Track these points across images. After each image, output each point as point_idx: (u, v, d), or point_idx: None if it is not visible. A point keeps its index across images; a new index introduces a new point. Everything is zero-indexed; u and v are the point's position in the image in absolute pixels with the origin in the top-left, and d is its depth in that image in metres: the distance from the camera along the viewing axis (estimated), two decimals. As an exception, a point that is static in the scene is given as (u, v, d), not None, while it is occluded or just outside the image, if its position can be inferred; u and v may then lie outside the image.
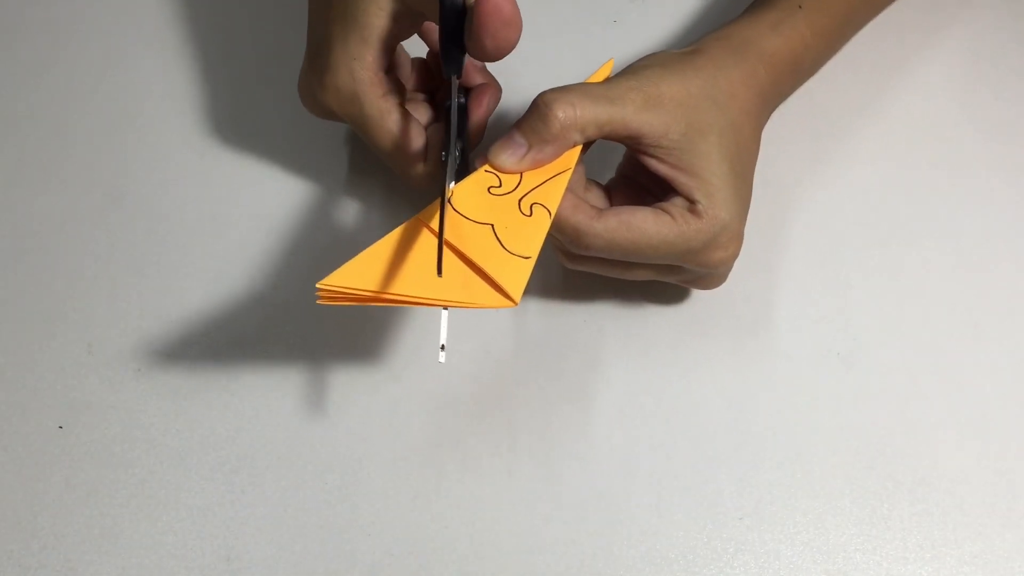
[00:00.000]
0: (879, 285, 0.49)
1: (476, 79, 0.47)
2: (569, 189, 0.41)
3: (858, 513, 0.44)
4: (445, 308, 0.38)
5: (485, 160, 0.41)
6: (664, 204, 0.42)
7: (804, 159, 0.53)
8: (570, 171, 0.41)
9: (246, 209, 0.51)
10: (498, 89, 0.48)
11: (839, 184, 0.52)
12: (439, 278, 0.37)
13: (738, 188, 0.42)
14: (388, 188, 0.51)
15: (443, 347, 0.38)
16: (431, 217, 0.40)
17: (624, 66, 0.44)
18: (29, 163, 0.52)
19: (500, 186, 0.41)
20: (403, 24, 0.43)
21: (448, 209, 0.39)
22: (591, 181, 0.45)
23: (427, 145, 0.45)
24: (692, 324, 0.48)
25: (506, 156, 0.41)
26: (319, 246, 0.50)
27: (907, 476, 0.45)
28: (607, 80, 0.43)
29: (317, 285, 0.37)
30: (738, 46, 0.45)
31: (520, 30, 0.38)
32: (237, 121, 0.54)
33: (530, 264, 0.39)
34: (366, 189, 0.52)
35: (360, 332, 0.48)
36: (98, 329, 0.48)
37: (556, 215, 0.41)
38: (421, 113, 0.47)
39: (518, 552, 0.43)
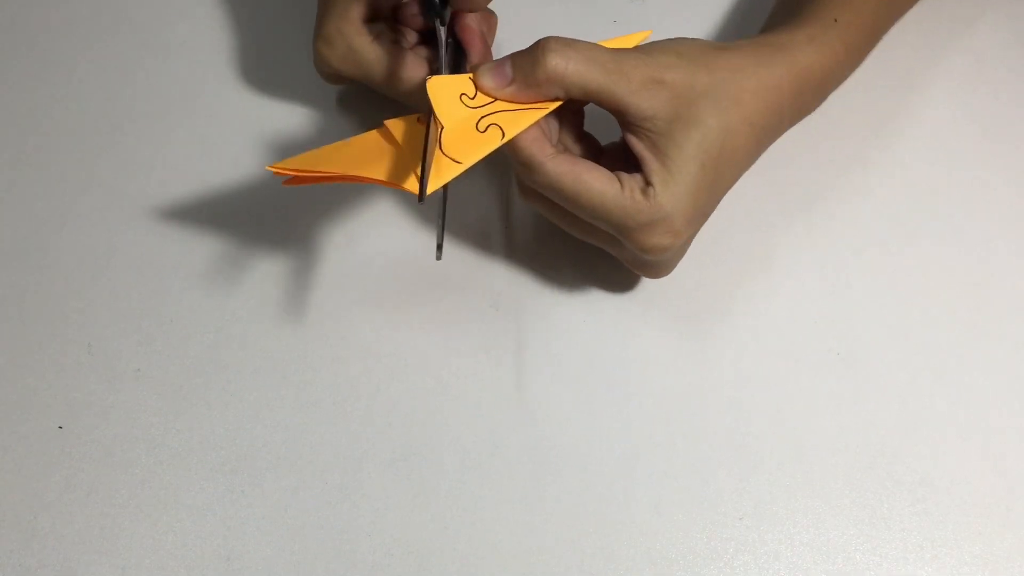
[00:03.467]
0: (879, 285, 0.49)
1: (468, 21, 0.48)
2: (541, 124, 0.42)
3: (858, 513, 0.44)
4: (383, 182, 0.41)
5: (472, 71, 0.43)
6: (622, 173, 0.42)
7: (803, 160, 0.53)
8: (546, 111, 0.42)
9: (246, 209, 0.51)
10: (491, 16, 0.49)
11: (839, 184, 0.52)
12: (369, 158, 0.41)
13: (697, 190, 0.41)
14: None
15: (439, 246, 0.41)
16: (391, 124, 0.43)
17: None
18: (29, 163, 0.52)
19: (473, 98, 0.42)
20: None
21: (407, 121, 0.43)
22: (588, 134, 0.45)
23: (430, 73, 0.47)
24: (692, 323, 0.48)
25: (489, 80, 0.42)
26: (321, 245, 0.50)
27: (907, 476, 0.45)
28: (623, 49, 0.42)
29: (267, 168, 0.42)
30: (768, 54, 0.44)
31: None
32: (237, 122, 0.54)
33: (457, 169, 0.40)
34: (355, 191, 0.52)
35: (359, 332, 0.48)
36: (98, 329, 0.48)
37: (516, 141, 0.41)
38: (420, 54, 0.49)
39: (518, 552, 0.43)
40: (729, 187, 0.44)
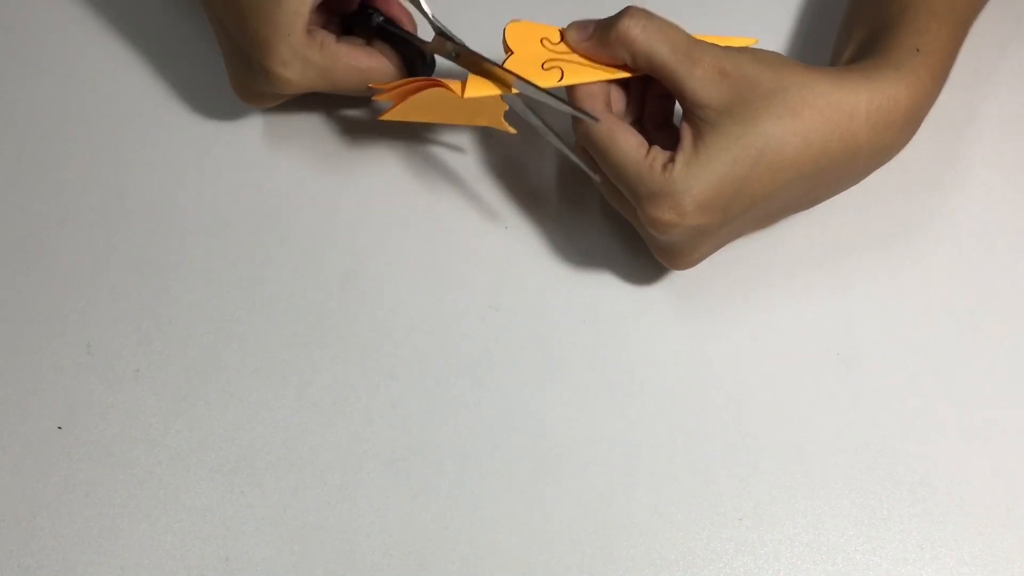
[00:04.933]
0: (879, 285, 0.49)
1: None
2: (608, 89, 0.44)
3: (858, 514, 0.44)
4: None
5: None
6: (656, 147, 0.43)
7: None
8: (611, 76, 0.44)
9: (246, 210, 0.51)
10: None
11: (839, 184, 0.52)
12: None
13: (719, 181, 0.41)
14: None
15: (591, 172, 0.45)
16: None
17: None
18: (29, 163, 0.52)
19: (555, 44, 0.45)
20: None
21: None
22: (674, 126, 0.46)
23: (395, 57, 0.47)
24: (692, 324, 0.48)
25: (573, 31, 0.45)
26: (321, 246, 0.50)
27: (907, 476, 0.45)
28: (706, 40, 0.43)
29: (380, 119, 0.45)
30: (851, 79, 0.42)
31: None
32: (237, 122, 0.54)
33: (500, 88, 0.44)
34: (357, 191, 0.52)
35: (359, 332, 0.48)
36: (97, 329, 0.48)
37: (576, 90, 0.44)
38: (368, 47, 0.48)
39: (518, 552, 0.43)
40: (766, 196, 0.42)
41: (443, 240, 0.50)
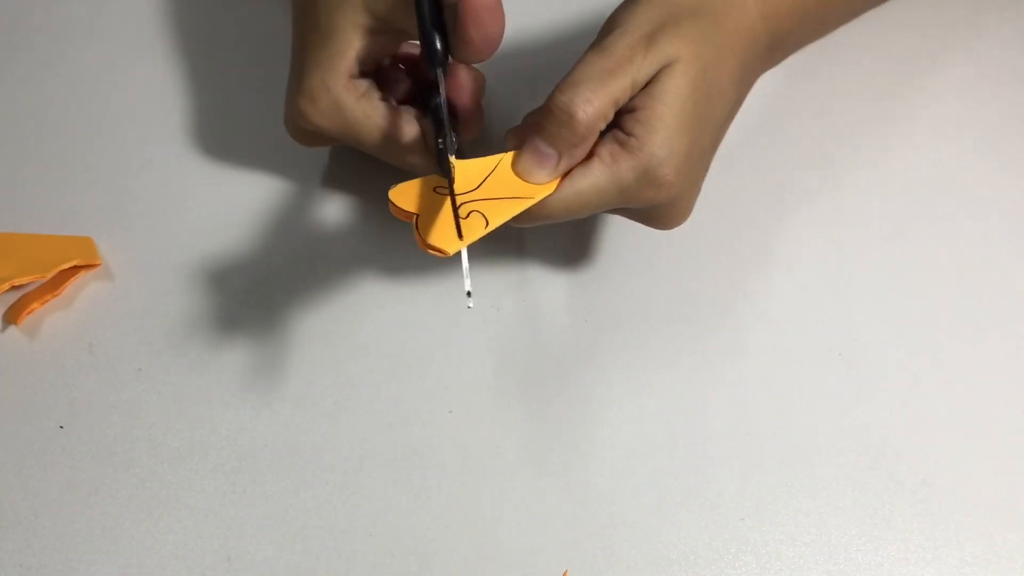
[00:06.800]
0: (879, 285, 0.49)
1: (460, 80, 0.47)
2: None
3: (859, 514, 0.44)
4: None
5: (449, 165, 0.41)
6: (596, 148, 0.41)
7: (805, 159, 0.53)
8: (532, 200, 0.41)
9: (245, 212, 0.51)
10: (479, 74, 0.48)
11: (840, 184, 0.52)
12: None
13: (690, 129, 0.40)
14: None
15: (469, 293, 0.40)
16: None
17: None
18: (29, 163, 0.53)
19: (447, 188, 0.41)
20: (380, 40, 0.44)
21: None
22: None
23: (422, 134, 0.45)
24: (693, 324, 0.48)
25: (539, 172, 0.41)
26: (321, 246, 0.50)
27: (909, 476, 0.45)
28: (601, 45, 0.41)
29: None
30: None
31: (504, 21, 0.40)
32: (236, 125, 0.54)
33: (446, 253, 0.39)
34: (357, 193, 0.52)
35: (360, 332, 0.48)
36: (99, 329, 0.48)
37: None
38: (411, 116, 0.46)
39: (518, 552, 0.43)
40: (717, 124, 0.42)
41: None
